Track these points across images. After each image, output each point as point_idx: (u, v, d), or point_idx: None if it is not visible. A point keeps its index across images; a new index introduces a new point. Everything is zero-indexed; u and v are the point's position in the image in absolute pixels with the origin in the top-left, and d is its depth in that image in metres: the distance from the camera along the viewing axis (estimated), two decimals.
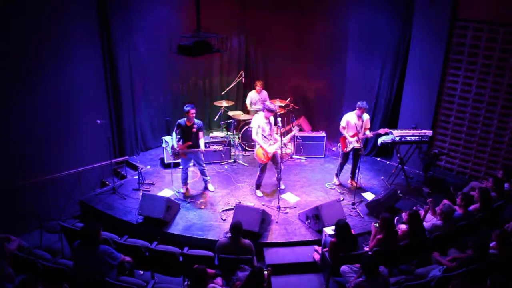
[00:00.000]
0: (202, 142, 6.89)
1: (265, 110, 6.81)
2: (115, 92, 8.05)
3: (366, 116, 7.19)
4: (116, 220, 6.57)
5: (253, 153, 8.66)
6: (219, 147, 7.25)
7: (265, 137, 6.90)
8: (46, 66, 6.75)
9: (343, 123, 7.20)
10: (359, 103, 7.03)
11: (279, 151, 6.90)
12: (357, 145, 7.16)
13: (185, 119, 6.82)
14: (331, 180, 7.71)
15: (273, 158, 6.97)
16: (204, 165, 7.22)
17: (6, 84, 6.30)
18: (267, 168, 7.18)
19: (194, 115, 6.78)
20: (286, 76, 9.88)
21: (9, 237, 4.88)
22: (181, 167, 7.27)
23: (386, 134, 7.40)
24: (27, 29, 6.36)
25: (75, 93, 7.29)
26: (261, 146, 6.84)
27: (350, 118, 7.15)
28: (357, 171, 6.91)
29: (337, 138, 8.22)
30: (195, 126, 6.83)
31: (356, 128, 7.12)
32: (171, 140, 7.18)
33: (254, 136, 6.89)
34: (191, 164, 7.35)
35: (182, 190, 7.29)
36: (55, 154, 7.07)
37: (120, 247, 5.08)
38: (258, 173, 7.16)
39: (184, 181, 7.31)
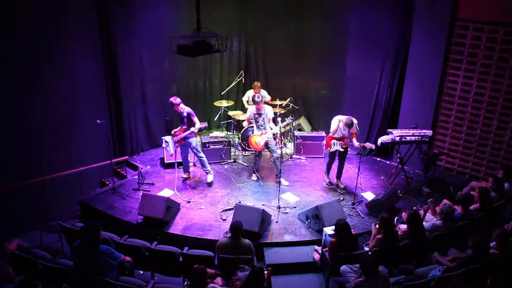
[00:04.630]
0: (197, 125, 7.10)
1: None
2: (115, 92, 8.05)
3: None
4: (116, 220, 6.57)
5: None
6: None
7: (257, 127, 7.39)
8: (45, 66, 6.74)
9: (335, 125, 7.01)
10: (345, 119, 6.86)
11: (273, 141, 7.43)
12: (341, 149, 7.14)
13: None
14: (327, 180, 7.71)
15: (267, 147, 7.41)
16: (201, 154, 7.44)
17: (5, 84, 6.29)
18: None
19: (177, 107, 7.13)
20: (286, 76, 9.87)
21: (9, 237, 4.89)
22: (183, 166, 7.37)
23: (371, 150, 7.70)
24: (26, 29, 6.36)
25: (75, 93, 7.28)
26: (253, 135, 7.42)
27: (341, 124, 7.00)
28: (342, 171, 7.45)
29: None
30: (183, 111, 7.14)
31: (343, 134, 7.05)
32: (171, 140, 7.24)
33: (245, 124, 7.84)
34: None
35: (185, 176, 7.64)
36: (55, 154, 7.06)
37: (120, 247, 5.08)
38: (255, 158, 7.76)
39: (186, 169, 7.65)
